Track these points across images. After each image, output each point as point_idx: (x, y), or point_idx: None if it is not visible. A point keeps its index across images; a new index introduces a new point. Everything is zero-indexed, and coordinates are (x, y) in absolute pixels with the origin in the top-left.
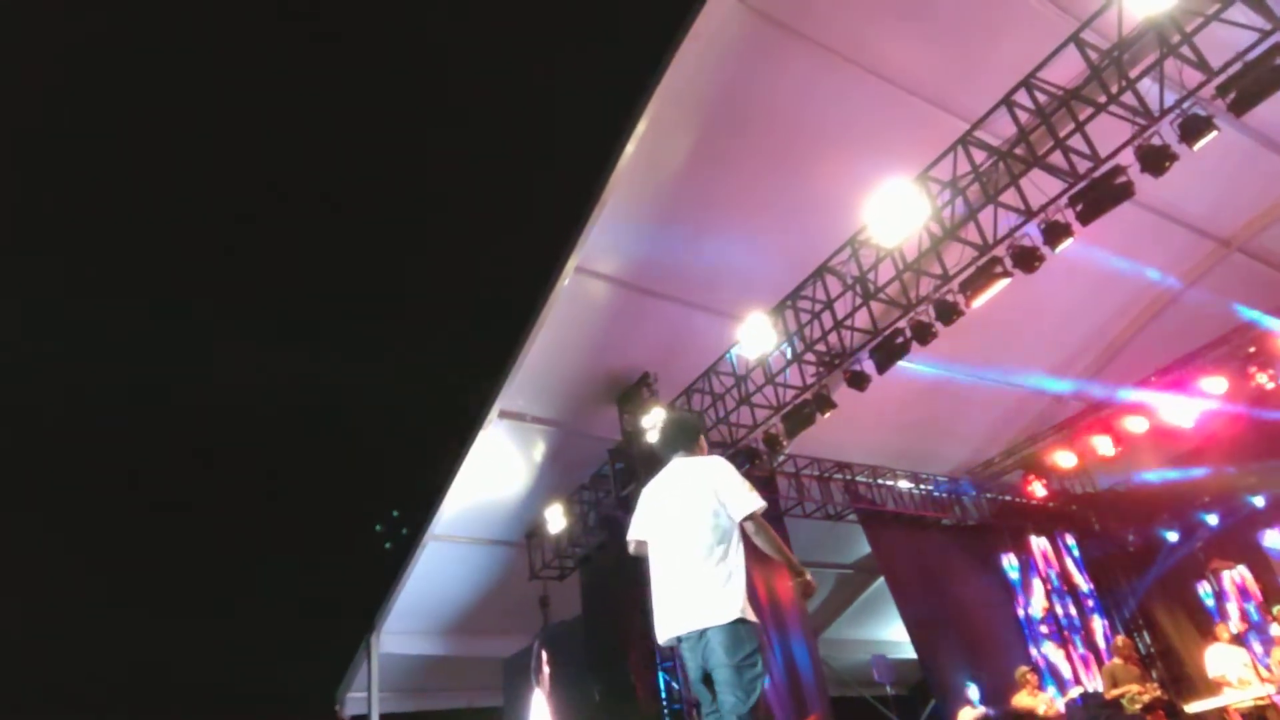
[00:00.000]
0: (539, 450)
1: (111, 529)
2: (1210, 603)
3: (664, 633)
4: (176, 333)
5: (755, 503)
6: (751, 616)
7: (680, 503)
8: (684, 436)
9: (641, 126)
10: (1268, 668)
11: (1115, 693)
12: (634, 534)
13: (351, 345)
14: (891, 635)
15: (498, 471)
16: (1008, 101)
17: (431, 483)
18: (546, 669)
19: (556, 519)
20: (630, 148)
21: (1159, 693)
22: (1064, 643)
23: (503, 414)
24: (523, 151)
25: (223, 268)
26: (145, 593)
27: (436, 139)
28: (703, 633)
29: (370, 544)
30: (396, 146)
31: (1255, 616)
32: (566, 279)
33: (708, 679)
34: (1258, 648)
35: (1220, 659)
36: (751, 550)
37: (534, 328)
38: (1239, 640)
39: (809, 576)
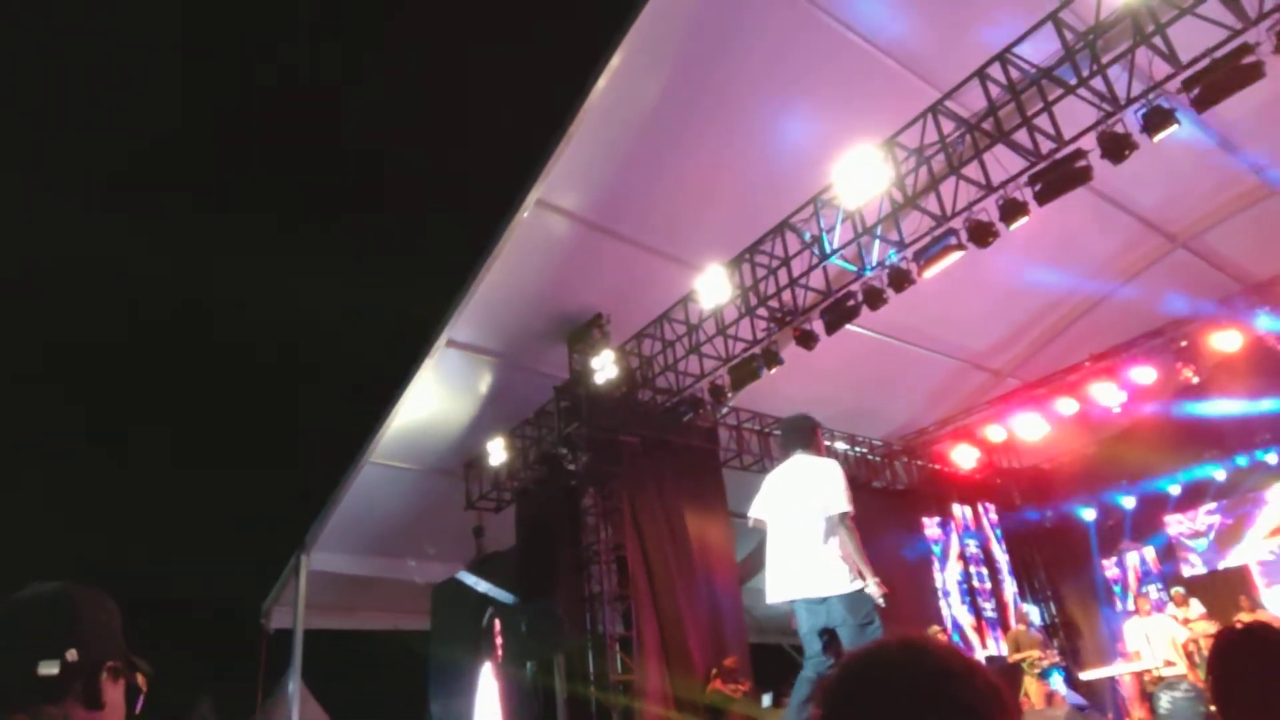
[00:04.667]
0: (485, 382)
1: (47, 430)
2: (1114, 580)
3: (778, 594)
4: (115, 232)
5: (847, 506)
6: (862, 581)
7: (802, 494)
8: (801, 435)
9: (616, 60)
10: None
11: (1017, 657)
12: (756, 513)
13: (300, 259)
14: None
15: (441, 400)
16: (981, 74)
17: (372, 406)
18: (499, 640)
19: (497, 451)
20: (602, 82)
21: (1057, 659)
22: (975, 608)
23: (450, 343)
24: (492, 75)
25: (172, 168)
26: (73, 493)
27: (401, 52)
28: (824, 600)
29: (307, 462)
30: (359, 57)
31: (1155, 596)
32: (527, 211)
33: (825, 634)
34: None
35: (1132, 631)
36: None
37: (490, 258)
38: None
39: (878, 581)
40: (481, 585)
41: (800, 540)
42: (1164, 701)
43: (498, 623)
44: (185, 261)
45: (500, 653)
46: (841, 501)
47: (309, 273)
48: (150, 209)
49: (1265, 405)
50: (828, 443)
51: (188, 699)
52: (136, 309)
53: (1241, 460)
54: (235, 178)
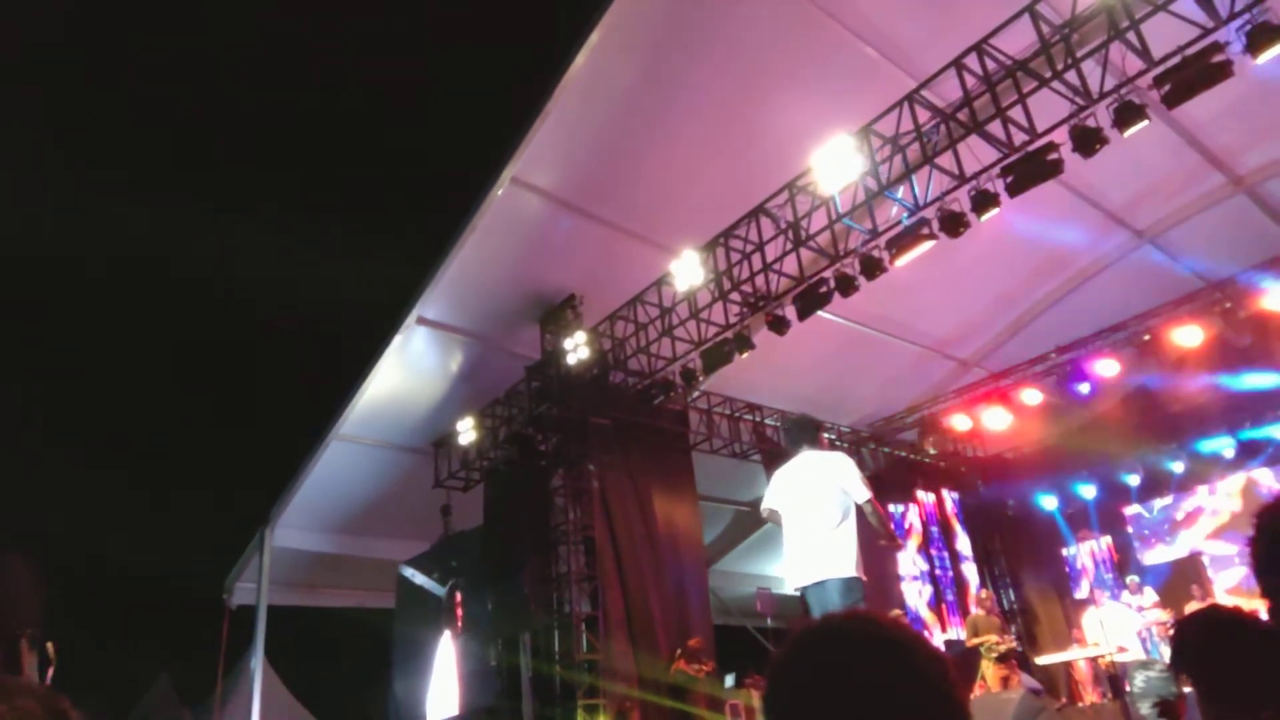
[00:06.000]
0: (456, 360)
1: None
2: (1073, 568)
3: (796, 581)
4: (85, 197)
5: (869, 492)
6: (861, 574)
7: (813, 486)
8: (808, 433)
9: (595, 37)
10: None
11: (975, 641)
12: (769, 504)
13: (270, 231)
14: (778, 571)
15: (411, 377)
16: (958, 64)
17: (341, 382)
18: (460, 611)
19: (467, 431)
20: (580, 59)
21: (1014, 644)
22: (936, 593)
23: (421, 320)
24: (469, 50)
25: (145, 141)
26: (31, 467)
27: (377, 26)
28: (823, 582)
29: (271, 436)
30: (335, 29)
31: (1111, 584)
32: (501, 188)
33: None
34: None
35: (1089, 619)
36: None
37: (464, 234)
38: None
39: (898, 540)
40: (419, 578)
41: (815, 530)
42: (1138, 680)
43: (459, 594)
44: (152, 232)
45: (460, 624)
46: (863, 490)
47: (279, 245)
48: (120, 180)
49: (1222, 399)
50: None
51: (147, 675)
52: (100, 277)
53: (1199, 453)
54: (206, 149)
